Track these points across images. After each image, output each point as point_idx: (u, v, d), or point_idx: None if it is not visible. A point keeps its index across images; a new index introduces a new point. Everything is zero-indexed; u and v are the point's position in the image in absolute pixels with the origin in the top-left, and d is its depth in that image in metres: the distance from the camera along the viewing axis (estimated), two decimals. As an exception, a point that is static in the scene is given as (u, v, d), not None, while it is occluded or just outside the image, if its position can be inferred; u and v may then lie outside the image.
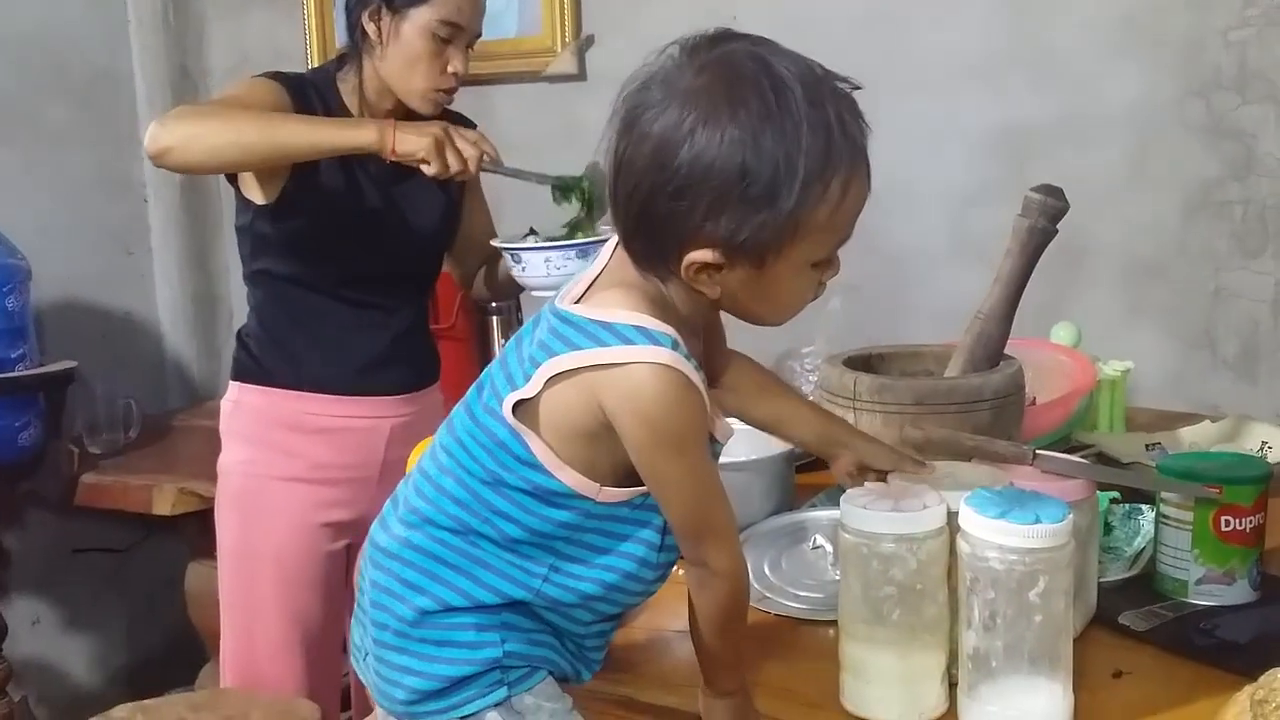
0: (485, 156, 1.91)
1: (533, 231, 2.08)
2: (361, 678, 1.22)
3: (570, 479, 1.08)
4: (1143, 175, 2.33)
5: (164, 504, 2.44)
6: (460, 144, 1.87)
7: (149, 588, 2.99)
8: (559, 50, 2.79)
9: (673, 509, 1.10)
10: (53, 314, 2.80)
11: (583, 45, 2.80)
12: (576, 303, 1.10)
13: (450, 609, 1.12)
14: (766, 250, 1.04)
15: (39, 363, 2.46)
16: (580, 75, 2.82)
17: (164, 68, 3.15)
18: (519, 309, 2.67)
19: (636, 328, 1.03)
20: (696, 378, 1.05)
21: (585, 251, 1.99)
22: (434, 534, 1.13)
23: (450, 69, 1.97)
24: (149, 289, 3.19)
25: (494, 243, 2.05)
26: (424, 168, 1.85)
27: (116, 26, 3.09)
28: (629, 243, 1.09)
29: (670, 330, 1.04)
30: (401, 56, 1.95)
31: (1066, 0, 2.36)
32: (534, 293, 2.06)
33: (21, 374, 2.38)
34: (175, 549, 2.65)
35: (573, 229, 2.05)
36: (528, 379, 1.07)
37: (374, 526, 1.21)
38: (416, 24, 1.92)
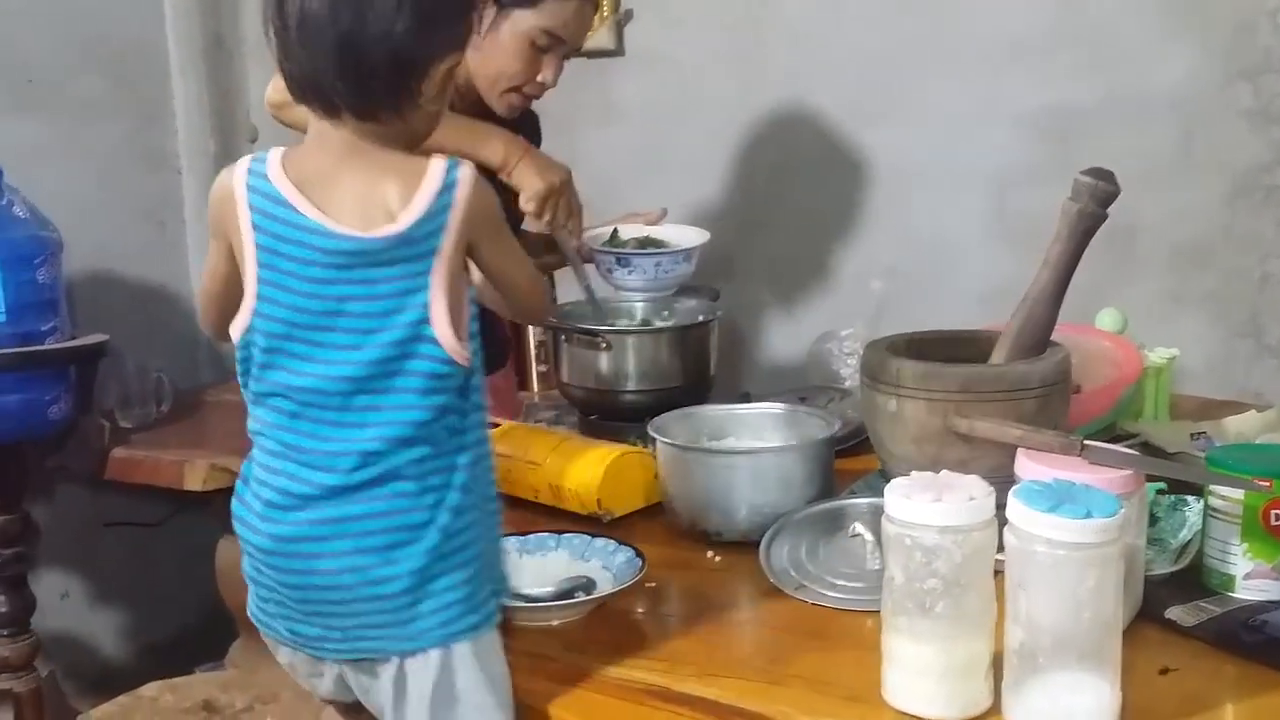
0: (576, 234, 1.95)
1: (616, 233, 2.09)
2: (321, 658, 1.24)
3: (460, 356, 1.18)
4: (1189, 159, 2.29)
5: (195, 479, 2.43)
6: (568, 204, 1.88)
7: (179, 562, 2.99)
8: (596, 25, 2.76)
9: (523, 278, 1.32)
10: (84, 287, 2.79)
11: (621, 20, 2.77)
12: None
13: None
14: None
15: (70, 336, 2.45)
16: (618, 51, 2.79)
17: (198, 38, 3.12)
18: (553, 286, 2.65)
19: (445, 171, 1.17)
20: None
21: (689, 255, 2.06)
22: (403, 472, 1.17)
23: (540, 78, 1.94)
24: (181, 262, 3.18)
25: (595, 246, 2.05)
26: (524, 200, 1.84)
27: (150, -4, 3.08)
28: (367, 99, 1.17)
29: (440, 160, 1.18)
30: (495, 53, 1.91)
31: (1112, -25, 2.32)
32: (630, 293, 2.09)
33: (52, 347, 2.37)
34: (206, 524, 2.64)
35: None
36: (425, 294, 1.15)
37: (257, 521, 1.22)
38: (518, 27, 1.89)
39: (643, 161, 2.80)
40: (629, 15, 2.77)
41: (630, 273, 2.03)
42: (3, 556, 2.40)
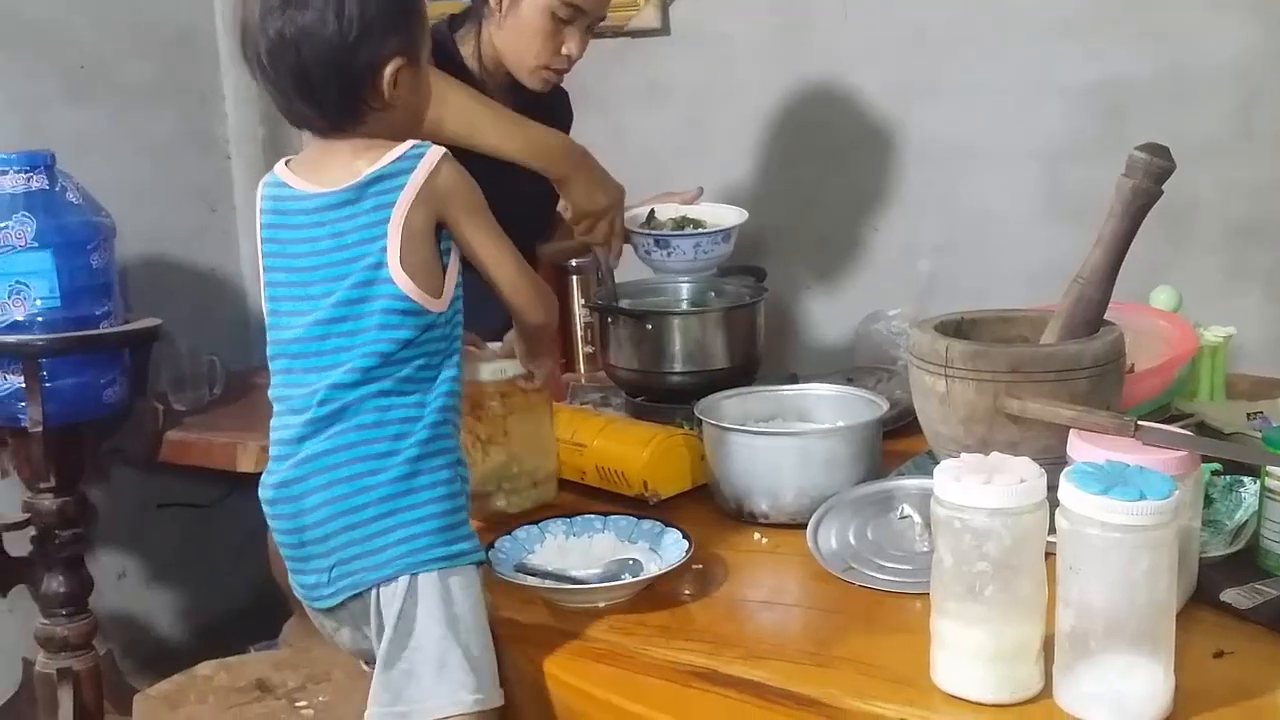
0: (615, 255, 1.96)
1: (653, 214, 2.08)
2: (323, 607, 1.32)
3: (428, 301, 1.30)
4: (1246, 134, 2.25)
5: (248, 461, 2.46)
6: (609, 226, 1.90)
7: (232, 543, 3.02)
8: (642, 4, 2.75)
9: (507, 266, 1.37)
10: (137, 271, 2.82)
11: (666, -1, 2.76)
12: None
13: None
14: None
15: (124, 320, 2.47)
16: (664, 30, 2.78)
17: (246, 23, 3.15)
18: (598, 269, 2.64)
19: (412, 147, 1.30)
20: None
21: (728, 235, 2.05)
22: (364, 405, 1.28)
23: (564, 50, 1.94)
24: (233, 245, 3.20)
25: (634, 228, 2.04)
26: (568, 209, 1.87)
27: (200, -18, 3.09)
28: (327, 107, 1.30)
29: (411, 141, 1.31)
30: (518, 30, 1.92)
31: (1167, -51, 2.27)
32: (671, 274, 2.08)
33: (106, 331, 2.39)
34: (257, 505, 2.66)
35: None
36: (382, 240, 1.27)
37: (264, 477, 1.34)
38: (538, 1, 1.89)
39: (687, 140, 2.78)
40: (676, -7, 2.76)
41: (669, 254, 2.02)
42: (61, 538, 2.43)
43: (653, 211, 2.10)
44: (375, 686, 1.29)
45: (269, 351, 1.36)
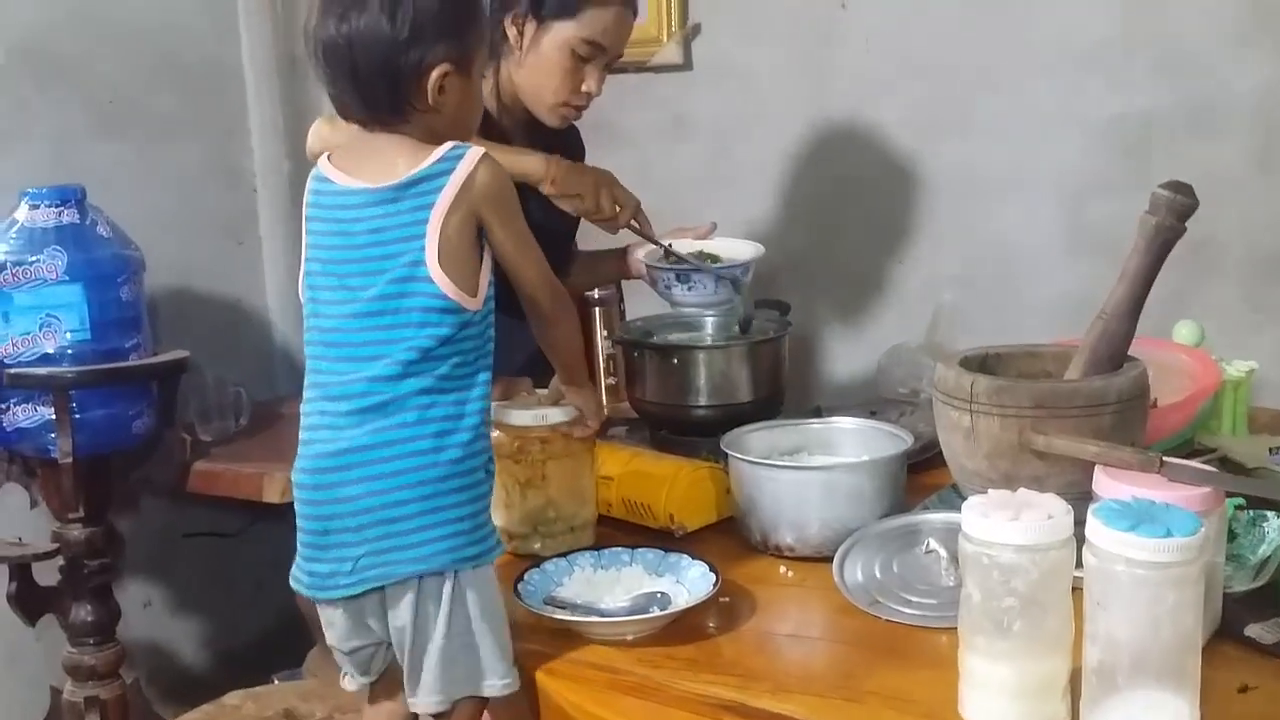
0: (638, 216, 1.94)
1: (670, 250, 2.08)
2: (335, 596, 1.34)
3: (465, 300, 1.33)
4: (1269, 167, 2.25)
5: (274, 492, 2.48)
6: (619, 193, 1.88)
7: (256, 572, 3.04)
8: (665, 40, 2.77)
9: (532, 268, 1.41)
10: (165, 303, 2.84)
11: (689, 34, 2.78)
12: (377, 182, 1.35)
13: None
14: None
15: (152, 351, 2.50)
16: (686, 65, 2.80)
17: (272, 57, 3.18)
18: (621, 300, 2.66)
19: (452, 148, 1.34)
20: None
21: (746, 269, 2.05)
22: (407, 403, 1.32)
23: (585, 88, 1.96)
24: (258, 277, 3.23)
25: (649, 262, 2.05)
26: (577, 204, 1.87)
27: (226, 17, 3.12)
28: (374, 102, 1.35)
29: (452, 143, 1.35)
30: (538, 67, 1.94)
31: (1189, -17, 2.29)
32: (685, 308, 2.10)
33: (135, 364, 2.42)
34: (282, 534, 2.67)
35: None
36: (420, 239, 1.31)
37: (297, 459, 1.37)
38: (558, 38, 1.91)
39: (711, 174, 2.80)
40: (697, 30, 2.78)
41: (690, 289, 2.02)
42: (89, 567, 2.45)
43: (670, 246, 2.10)
44: (415, 674, 1.34)
45: (306, 338, 1.40)
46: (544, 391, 1.65)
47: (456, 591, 1.32)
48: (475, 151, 1.35)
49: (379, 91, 1.34)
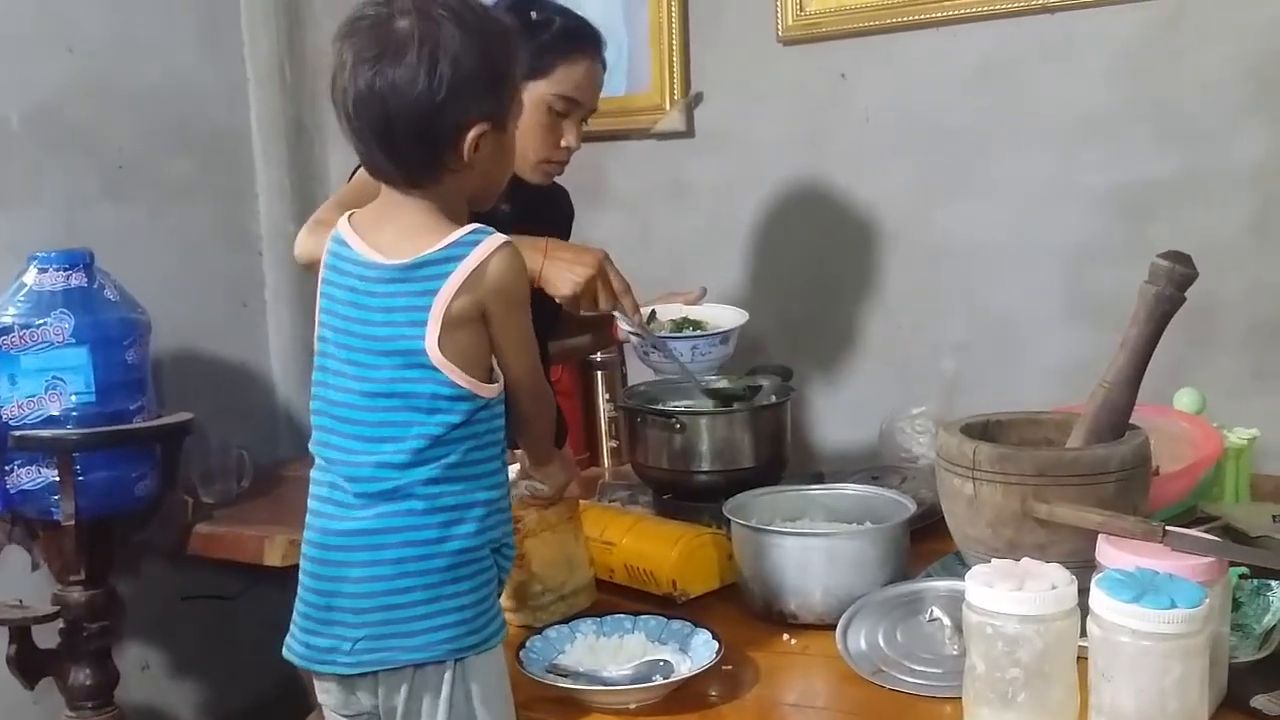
0: (633, 310, 1.90)
1: (654, 315, 2.09)
2: (333, 673, 1.33)
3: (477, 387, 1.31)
4: (1269, 235, 2.26)
5: (275, 555, 2.47)
6: (609, 286, 1.85)
7: (255, 635, 3.01)
8: (668, 108, 2.80)
9: (523, 369, 1.37)
10: (170, 365, 2.85)
11: (691, 102, 2.81)
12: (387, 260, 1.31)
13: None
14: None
15: (156, 414, 2.50)
16: (689, 132, 2.83)
17: (280, 123, 3.21)
18: (624, 363, 2.67)
19: (470, 232, 1.30)
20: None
21: (726, 338, 2.05)
22: (415, 491, 1.29)
23: (563, 143, 2.00)
24: (263, 340, 3.24)
25: (627, 328, 2.03)
26: (566, 302, 1.81)
27: (236, 84, 3.16)
28: (406, 162, 1.31)
29: (473, 225, 1.32)
30: (518, 129, 1.96)
31: (1188, 54, 2.31)
32: (666, 374, 2.09)
33: (140, 426, 2.42)
34: (281, 596, 2.66)
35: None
36: (423, 326, 1.27)
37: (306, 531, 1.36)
38: (533, 97, 1.94)
39: (712, 239, 2.82)
40: (699, 98, 2.81)
41: (665, 356, 2.02)
42: (89, 630, 2.44)
43: (654, 312, 2.09)
44: None
45: (313, 405, 1.37)
46: (515, 467, 1.61)
47: (457, 677, 1.30)
48: (494, 239, 1.30)
49: (413, 153, 1.30)
